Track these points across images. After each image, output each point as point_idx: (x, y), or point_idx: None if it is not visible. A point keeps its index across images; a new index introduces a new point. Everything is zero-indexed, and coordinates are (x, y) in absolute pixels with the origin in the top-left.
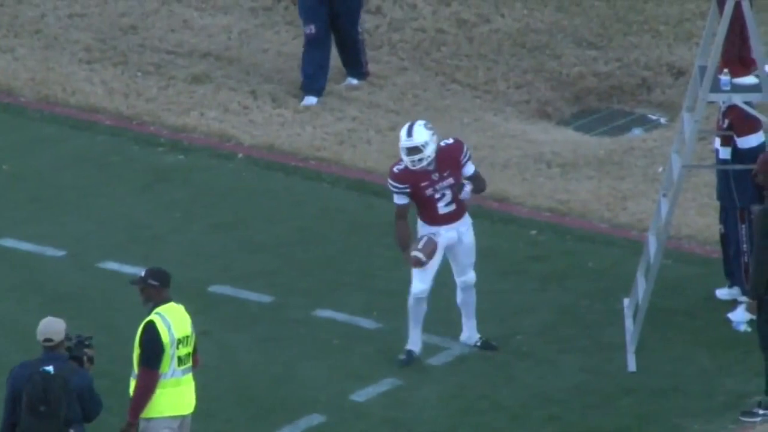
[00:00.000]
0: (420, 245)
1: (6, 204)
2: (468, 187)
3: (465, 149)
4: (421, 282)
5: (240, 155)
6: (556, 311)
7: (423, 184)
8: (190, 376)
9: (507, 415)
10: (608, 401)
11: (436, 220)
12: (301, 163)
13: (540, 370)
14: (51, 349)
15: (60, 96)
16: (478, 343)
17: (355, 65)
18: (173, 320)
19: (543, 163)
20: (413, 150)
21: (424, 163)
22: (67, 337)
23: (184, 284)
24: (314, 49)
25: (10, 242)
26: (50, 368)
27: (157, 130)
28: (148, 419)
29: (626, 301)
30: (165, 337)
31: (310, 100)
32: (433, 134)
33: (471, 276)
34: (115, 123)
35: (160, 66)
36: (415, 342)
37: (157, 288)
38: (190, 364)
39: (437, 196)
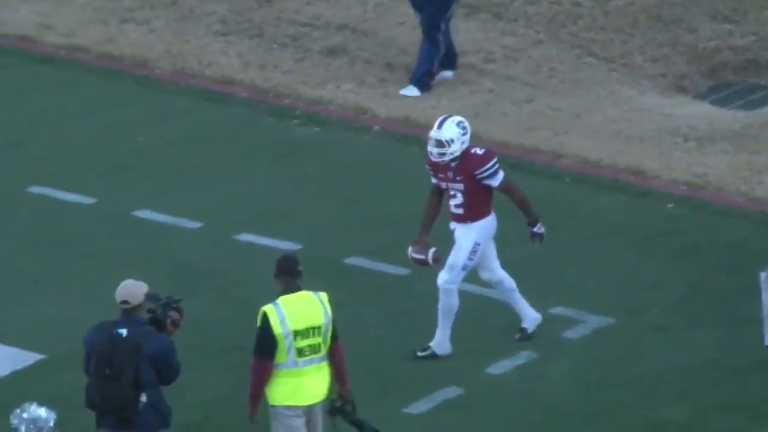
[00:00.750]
0: (417, 248)
1: (141, 176)
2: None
3: (486, 166)
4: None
5: (375, 128)
6: (689, 285)
7: (440, 176)
8: (315, 366)
9: (640, 389)
10: (742, 376)
11: (450, 213)
12: None
13: (673, 344)
14: (127, 312)
15: (195, 68)
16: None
17: (418, 70)
18: (291, 312)
19: (679, 136)
20: (438, 143)
21: (446, 158)
22: (155, 299)
23: (319, 257)
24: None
25: (145, 214)
26: (123, 331)
27: (292, 103)
28: (272, 405)
29: (762, 275)
30: (277, 328)
31: (446, 74)
32: (463, 134)
33: (441, 277)
34: (251, 95)
35: (296, 38)
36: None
37: (276, 276)
38: (317, 354)
39: (450, 192)
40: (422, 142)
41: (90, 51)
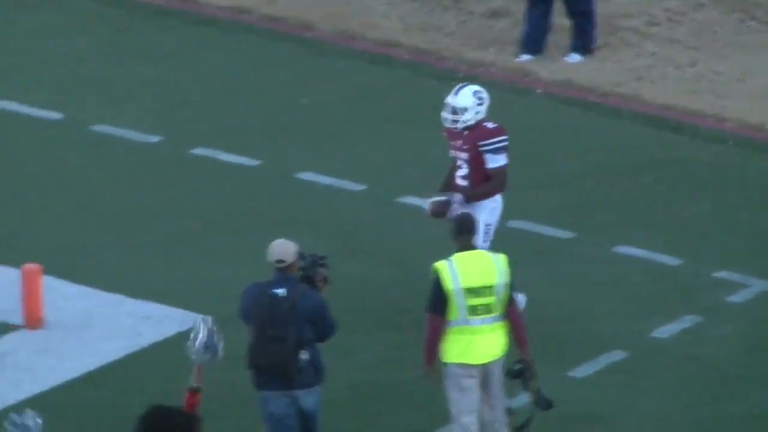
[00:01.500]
0: (433, 198)
1: (303, 138)
2: (456, 201)
3: (492, 140)
4: None
5: (538, 91)
6: None
7: (451, 143)
8: (489, 326)
9: None
10: None
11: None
12: (600, 99)
13: None
14: (282, 271)
15: (357, 30)
16: None
17: (580, 38)
18: (464, 269)
19: None
20: (453, 109)
21: (458, 125)
22: (302, 257)
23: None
24: (536, 6)
25: (308, 176)
26: (280, 291)
27: (454, 65)
28: (444, 363)
29: None
30: (448, 284)
31: (525, 57)
32: (479, 103)
33: None
34: (413, 57)
35: (458, 0)
36: None
37: (454, 235)
38: (490, 314)
39: (458, 162)
40: (585, 105)
41: (253, 12)
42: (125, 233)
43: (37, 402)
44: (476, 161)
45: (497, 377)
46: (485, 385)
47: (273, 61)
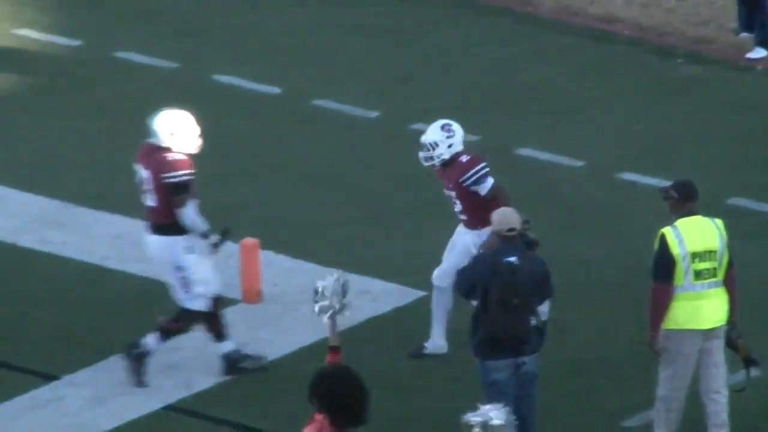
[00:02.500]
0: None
1: (523, 113)
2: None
3: (470, 173)
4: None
5: (759, 68)
6: None
7: (443, 181)
8: (714, 291)
9: None
10: None
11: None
12: None
13: None
14: (510, 239)
15: (578, 6)
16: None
17: (761, 29)
18: (689, 233)
19: None
20: (422, 145)
21: (435, 162)
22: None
23: (701, 196)
24: None
25: (526, 152)
26: (513, 259)
27: (675, 42)
28: (667, 330)
29: None
30: (674, 249)
31: (760, 52)
32: (449, 136)
33: (435, 274)
34: (634, 33)
35: None
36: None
37: (676, 200)
38: (714, 278)
39: (452, 200)
40: None
41: None
42: (344, 208)
43: (255, 376)
44: (464, 196)
45: (721, 344)
46: (708, 352)
47: (493, 36)
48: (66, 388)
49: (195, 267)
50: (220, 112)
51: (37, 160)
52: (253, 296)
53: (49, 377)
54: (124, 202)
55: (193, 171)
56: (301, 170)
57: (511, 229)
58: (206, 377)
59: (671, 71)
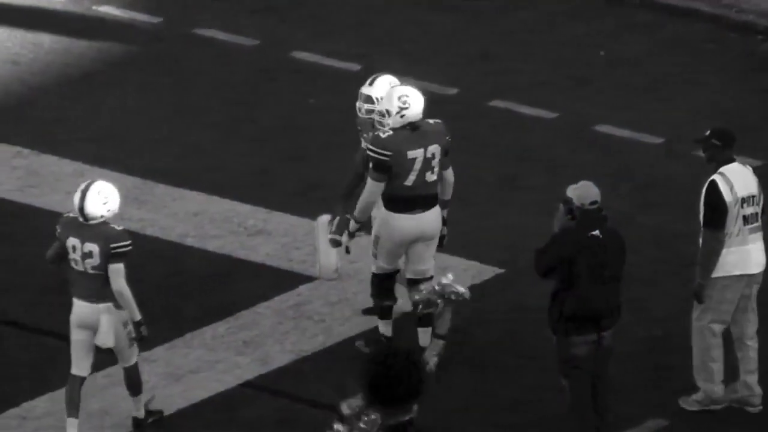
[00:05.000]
0: None
1: (602, 90)
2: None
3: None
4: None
5: None
6: None
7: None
8: (757, 235)
9: None
10: None
11: None
12: None
13: None
14: (590, 213)
15: None
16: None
17: None
18: (736, 179)
19: None
20: (367, 97)
21: (367, 116)
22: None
23: None
24: None
25: (605, 128)
26: (595, 232)
27: (755, 19)
28: (716, 278)
29: None
30: (727, 195)
31: None
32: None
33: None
34: (713, 10)
35: None
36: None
37: (718, 147)
38: (757, 223)
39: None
40: None
41: None
42: None
43: (331, 353)
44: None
45: (757, 289)
46: (748, 297)
47: (573, 13)
48: (141, 365)
49: None
50: (299, 89)
51: (116, 137)
52: (329, 273)
53: None
54: (202, 180)
55: None
56: None
57: (593, 202)
58: (282, 354)
59: (751, 48)
